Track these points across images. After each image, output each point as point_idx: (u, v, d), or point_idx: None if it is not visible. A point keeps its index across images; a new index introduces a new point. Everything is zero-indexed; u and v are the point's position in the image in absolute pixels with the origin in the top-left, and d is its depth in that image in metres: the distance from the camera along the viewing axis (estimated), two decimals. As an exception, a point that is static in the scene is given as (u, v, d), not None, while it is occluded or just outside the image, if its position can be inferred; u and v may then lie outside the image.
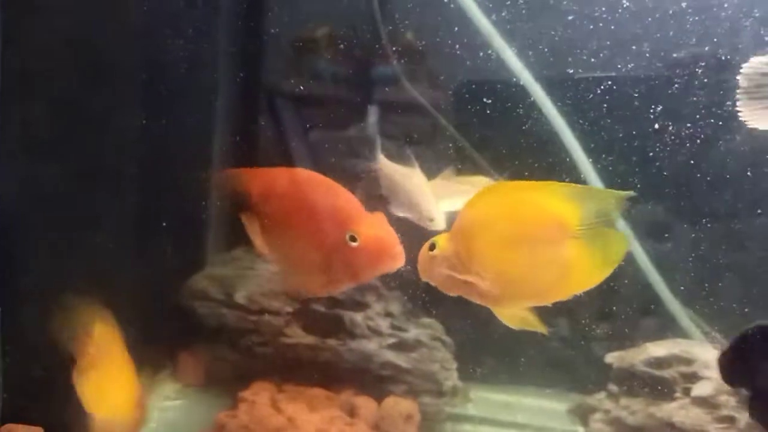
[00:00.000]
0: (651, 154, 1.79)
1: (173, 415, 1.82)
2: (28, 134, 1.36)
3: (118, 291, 1.69)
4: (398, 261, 1.25)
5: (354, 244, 1.25)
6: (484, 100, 1.88)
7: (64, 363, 1.47)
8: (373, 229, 1.27)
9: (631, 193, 1.09)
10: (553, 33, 1.79)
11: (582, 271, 1.10)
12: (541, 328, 1.17)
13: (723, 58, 1.71)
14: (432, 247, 1.16)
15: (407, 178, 1.60)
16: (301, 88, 2.05)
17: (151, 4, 1.76)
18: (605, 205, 1.09)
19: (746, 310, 1.68)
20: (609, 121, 1.81)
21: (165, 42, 1.79)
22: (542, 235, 1.10)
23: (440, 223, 1.52)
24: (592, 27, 1.76)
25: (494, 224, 1.12)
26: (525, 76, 1.83)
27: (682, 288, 1.76)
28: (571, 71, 1.82)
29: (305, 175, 1.42)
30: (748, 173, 1.75)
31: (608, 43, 1.76)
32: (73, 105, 1.51)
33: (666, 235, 1.86)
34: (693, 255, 1.80)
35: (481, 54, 1.84)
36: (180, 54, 1.84)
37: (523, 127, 1.85)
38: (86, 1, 1.56)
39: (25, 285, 1.40)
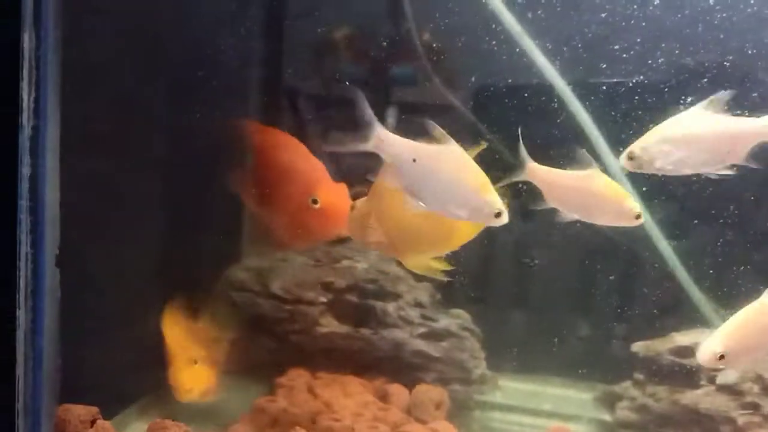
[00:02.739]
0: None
1: (213, 400, 1.88)
2: (89, 130, 1.42)
3: (168, 281, 1.76)
4: (343, 228, 1.45)
5: (316, 206, 1.46)
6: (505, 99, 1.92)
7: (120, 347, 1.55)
8: (333, 196, 1.46)
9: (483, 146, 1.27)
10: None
11: (462, 228, 1.34)
12: (440, 276, 1.41)
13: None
14: (353, 208, 1.38)
15: (586, 180, 1.32)
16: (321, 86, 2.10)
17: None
18: None
19: None
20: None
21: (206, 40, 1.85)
22: None
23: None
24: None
25: (397, 192, 1.32)
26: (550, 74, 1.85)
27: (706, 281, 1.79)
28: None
29: (280, 136, 1.59)
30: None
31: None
32: (133, 101, 1.58)
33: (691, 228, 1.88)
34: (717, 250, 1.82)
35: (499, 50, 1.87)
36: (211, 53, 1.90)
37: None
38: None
39: (85, 274, 1.47)
